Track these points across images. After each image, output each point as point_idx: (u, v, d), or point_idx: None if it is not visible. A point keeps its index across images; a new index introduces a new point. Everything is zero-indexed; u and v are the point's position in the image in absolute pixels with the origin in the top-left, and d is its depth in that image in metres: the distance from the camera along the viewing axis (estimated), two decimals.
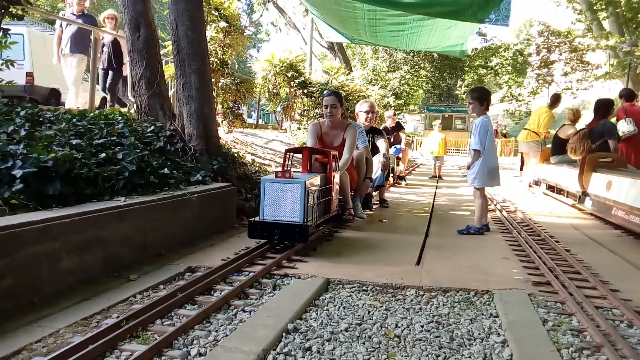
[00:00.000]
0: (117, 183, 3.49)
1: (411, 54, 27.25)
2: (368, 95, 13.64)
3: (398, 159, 9.11)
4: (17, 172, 2.85)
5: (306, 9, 15.53)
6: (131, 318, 2.29)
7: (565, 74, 24.42)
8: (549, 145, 8.70)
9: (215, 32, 8.47)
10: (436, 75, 30.30)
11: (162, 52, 6.07)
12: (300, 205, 3.64)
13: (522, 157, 10.01)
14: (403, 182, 9.57)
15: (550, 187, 8.10)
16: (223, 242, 4.15)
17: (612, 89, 21.89)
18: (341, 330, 2.38)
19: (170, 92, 7.13)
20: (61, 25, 7.47)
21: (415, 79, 29.57)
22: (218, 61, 8.58)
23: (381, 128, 7.75)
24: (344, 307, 2.72)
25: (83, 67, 7.63)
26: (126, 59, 7.23)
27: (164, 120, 5.19)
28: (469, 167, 4.84)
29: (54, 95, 8.54)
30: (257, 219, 3.78)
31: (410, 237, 4.55)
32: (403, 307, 2.75)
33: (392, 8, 7.74)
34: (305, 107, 11.17)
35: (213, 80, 7.58)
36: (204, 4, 6.91)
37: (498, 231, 5.00)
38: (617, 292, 3.00)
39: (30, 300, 2.51)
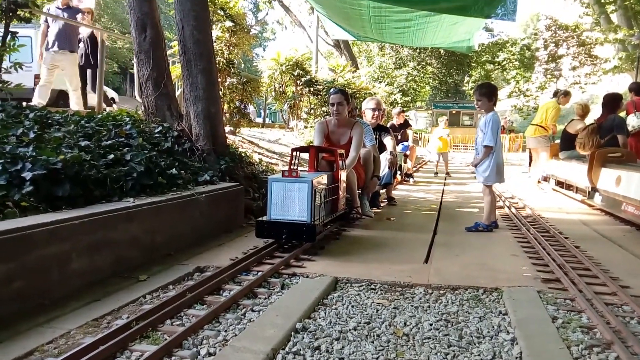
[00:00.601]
0: (125, 184, 3.50)
1: (417, 50, 27.14)
2: (375, 93, 13.60)
3: (405, 156, 9.10)
4: (27, 175, 2.88)
5: (312, 7, 15.50)
6: (141, 318, 2.31)
7: (574, 68, 24.21)
8: (558, 141, 8.65)
9: (221, 32, 8.48)
10: (443, 71, 30.13)
11: (168, 52, 6.09)
12: (307, 204, 3.64)
13: (530, 153, 9.95)
14: (411, 180, 9.54)
15: (559, 183, 8.04)
16: (231, 241, 4.16)
17: (621, 83, 21.61)
18: (350, 329, 2.38)
19: (177, 93, 7.13)
20: (46, 21, 7.03)
21: (422, 75, 29.45)
22: (224, 61, 8.61)
23: (388, 125, 7.73)
24: (353, 306, 2.72)
25: (77, 68, 7.37)
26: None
27: (171, 120, 5.22)
28: (476, 165, 4.81)
29: (62, 97, 8.58)
30: (264, 218, 3.78)
31: (418, 234, 4.54)
32: (411, 306, 2.74)
33: (398, 4, 7.72)
34: (312, 106, 11.15)
35: (219, 79, 7.58)
36: (210, 3, 6.93)
37: (507, 228, 4.97)
38: (627, 289, 2.98)
39: (41, 301, 2.53)
